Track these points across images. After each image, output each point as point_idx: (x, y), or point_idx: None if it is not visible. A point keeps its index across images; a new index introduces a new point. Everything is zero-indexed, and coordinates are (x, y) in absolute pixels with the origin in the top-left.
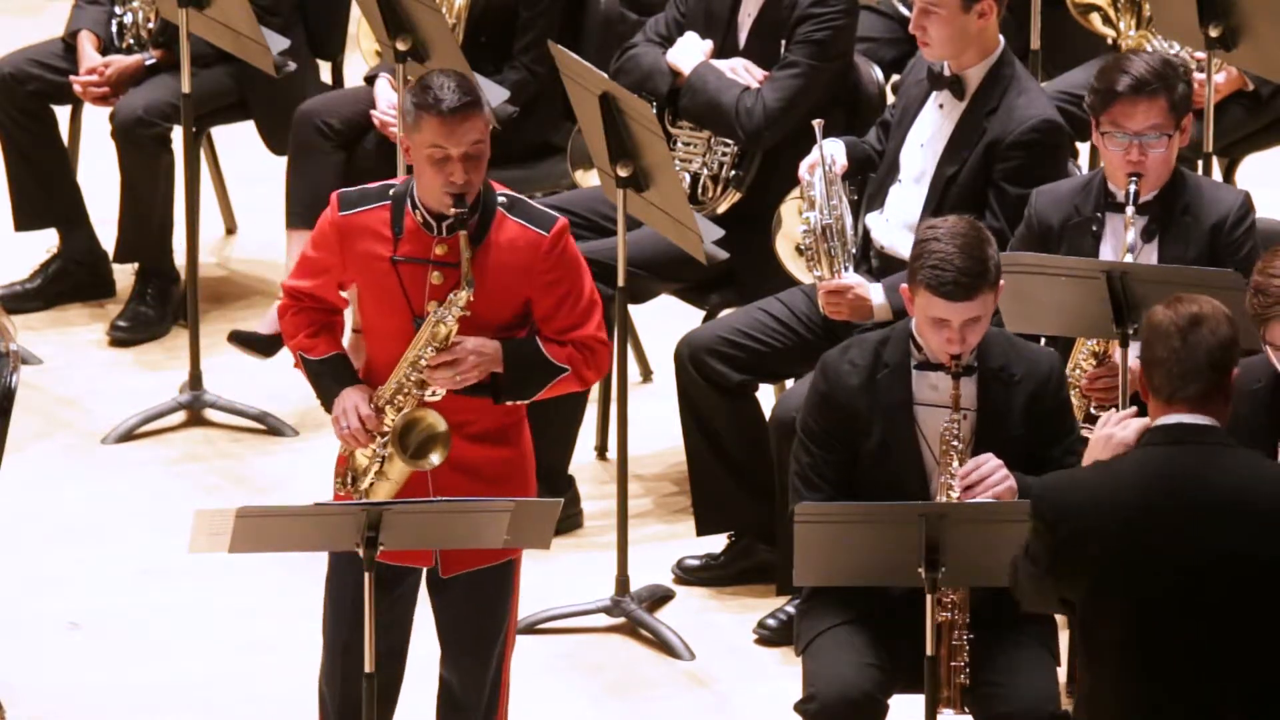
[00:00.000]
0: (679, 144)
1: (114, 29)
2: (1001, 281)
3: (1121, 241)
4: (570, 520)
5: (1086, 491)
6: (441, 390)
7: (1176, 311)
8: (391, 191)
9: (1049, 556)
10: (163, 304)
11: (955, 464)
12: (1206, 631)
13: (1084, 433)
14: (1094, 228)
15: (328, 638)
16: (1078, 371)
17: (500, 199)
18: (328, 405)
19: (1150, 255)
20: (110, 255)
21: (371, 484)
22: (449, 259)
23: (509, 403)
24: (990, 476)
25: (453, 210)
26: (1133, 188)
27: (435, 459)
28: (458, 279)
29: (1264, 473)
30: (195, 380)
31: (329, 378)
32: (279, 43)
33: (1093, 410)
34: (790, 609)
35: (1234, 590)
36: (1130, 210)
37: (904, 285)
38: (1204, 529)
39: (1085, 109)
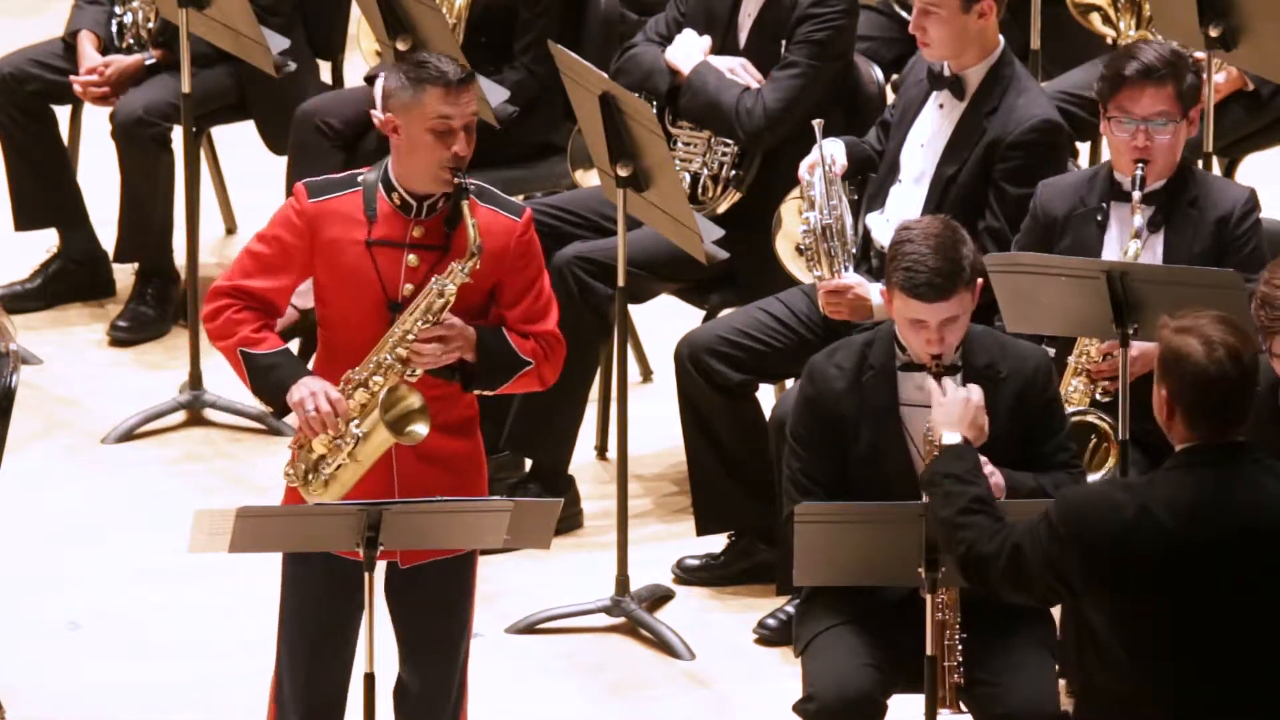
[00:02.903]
0: (679, 144)
1: (114, 29)
2: (980, 280)
3: (1127, 229)
4: (570, 520)
5: (1126, 518)
6: (420, 370)
7: (1214, 353)
8: (360, 179)
9: (1084, 580)
10: (163, 304)
11: None
12: (1248, 641)
13: (1091, 419)
14: (1099, 218)
15: (288, 642)
16: (1084, 357)
17: (469, 185)
18: (276, 399)
19: (1156, 245)
20: (110, 255)
21: (339, 466)
22: (426, 241)
23: (476, 391)
24: None
25: (455, 180)
26: (1139, 173)
27: (420, 430)
28: (433, 262)
29: None
30: (195, 380)
31: (281, 370)
32: (279, 43)
33: (1099, 397)
34: (790, 609)
35: (1272, 602)
36: (1138, 195)
37: (883, 288)
38: (1248, 545)
39: (1092, 95)
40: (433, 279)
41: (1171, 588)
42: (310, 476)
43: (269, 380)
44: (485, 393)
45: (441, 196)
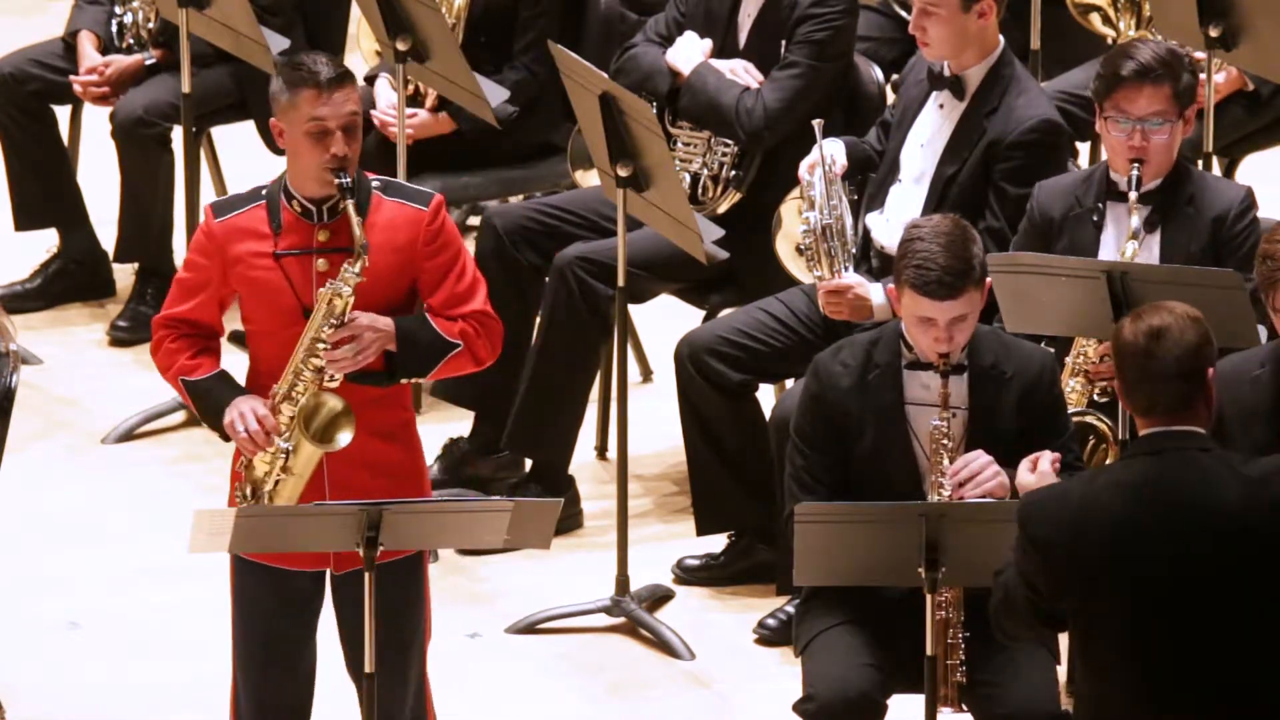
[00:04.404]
0: (679, 144)
1: (114, 29)
2: (988, 279)
3: (1124, 230)
4: (570, 520)
5: (1073, 507)
6: (339, 376)
7: (1138, 327)
8: (264, 191)
9: (1045, 576)
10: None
11: (946, 463)
12: (1203, 631)
13: (1089, 420)
14: (1095, 218)
15: (241, 657)
16: (1082, 358)
17: (374, 182)
18: (216, 421)
19: (1152, 245)
20: (110, 255)
21: (277, 482)
22: (333, 244)
23: (405, 380)
24: (981, 473)
25: (336, 181)
26: (1135, 173)
27: (344, 438)
28: (344, 260)
29: (1242, 472)
30: None
31: (216, 393)
32: (279, 43)
33: (1096, 397)
34: (790, 609)
35: (1222, 590)
36: (1134, 196)
37: (890, 285)
38: (1188, 533)
39: (1090, 95)
40: (326, 283)
41: (1124, 575)
42: (255, 496)
43: (207, 405)
44: (417, 379)
45: (341, 198)
